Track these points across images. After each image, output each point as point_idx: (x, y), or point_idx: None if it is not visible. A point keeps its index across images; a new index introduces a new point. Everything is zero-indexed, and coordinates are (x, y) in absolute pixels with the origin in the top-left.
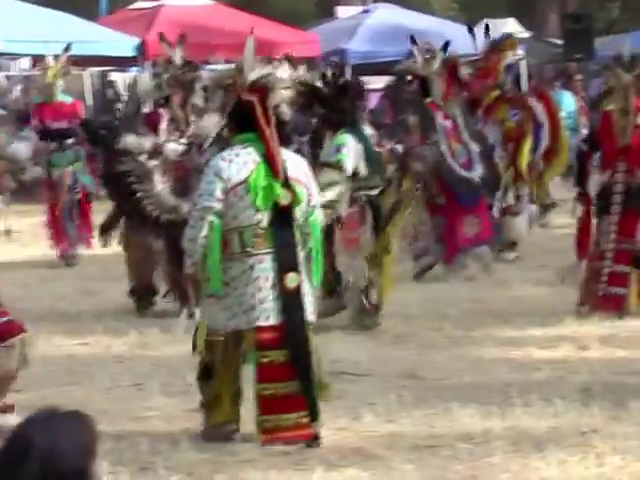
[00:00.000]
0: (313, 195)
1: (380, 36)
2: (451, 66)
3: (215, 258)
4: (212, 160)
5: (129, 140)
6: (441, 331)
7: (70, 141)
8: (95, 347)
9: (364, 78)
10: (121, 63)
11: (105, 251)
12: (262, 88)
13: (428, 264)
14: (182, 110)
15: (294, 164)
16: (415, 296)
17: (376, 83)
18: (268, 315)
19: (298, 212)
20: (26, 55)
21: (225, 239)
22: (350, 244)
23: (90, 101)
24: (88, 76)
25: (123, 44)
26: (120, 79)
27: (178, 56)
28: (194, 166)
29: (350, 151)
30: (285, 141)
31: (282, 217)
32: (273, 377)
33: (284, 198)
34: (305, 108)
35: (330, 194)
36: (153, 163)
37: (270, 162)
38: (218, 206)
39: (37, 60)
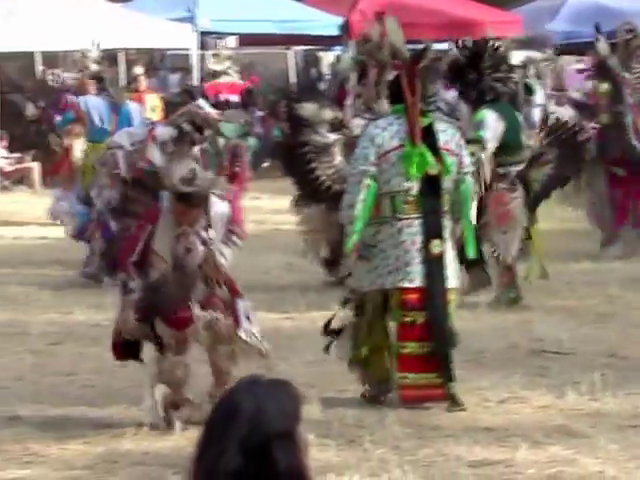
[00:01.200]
0: (464, 164)
1: (583, 16)
2: None
3: (363, 218)
4: (367, 128)
5: (308, 108)
6: None
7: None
8: (299, 321)
9: (567, 58)
10: (325, 42)
11: None
12: (409, 61)
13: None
14: (375, 87)
15: (447, 134)
16: (616, 275)
17: (579, 64)
18: (413, 277)
19: (447, 181)
20: (232, 34)
21: (376, 203)
22: (501, 219)
23: (294, 79)
24: (292, 55)
25: (327, 23)
26: (324, 58)
27: (376, 34)
28: None
29: (490, 127)
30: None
31: (431, 185)
32: (412, 336)
33: (434, 167)
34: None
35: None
36: (334, 137)
37: (409, 131)
38: (373, 169)
39: (242, 39)
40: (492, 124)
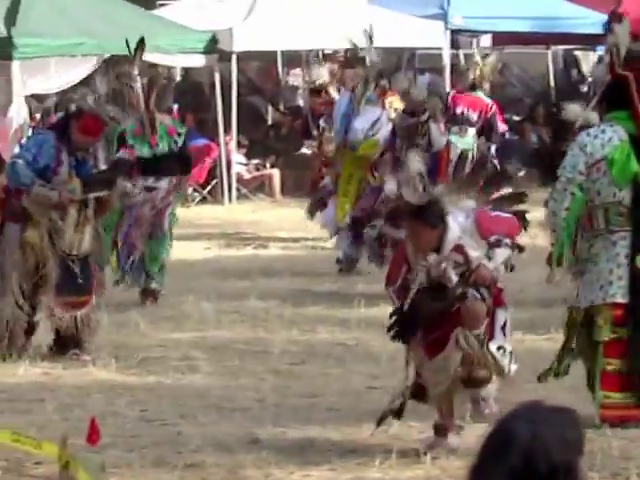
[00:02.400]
0: None
1: None
2: None
3: (570, 230)
4: (579, 136)
5: (572, 111)
6: None
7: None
8: (560, 342)
9: None
10: (588, 41)
11: None
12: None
13: None
14: None
15: None
16: None
17: None
18: (624, 292)
19: None
20: (486, 32)
21: (589, 215)
22: None
23: (552, 81)
24: (551, 55)
25: (591, 21)
26: (583, 59)
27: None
28: None
29: None
30: None
31: None
32: (618, 353)
33: None
34: None
35: None
36: None
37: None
38: (580, 178)
39: (496, 38)
40: None
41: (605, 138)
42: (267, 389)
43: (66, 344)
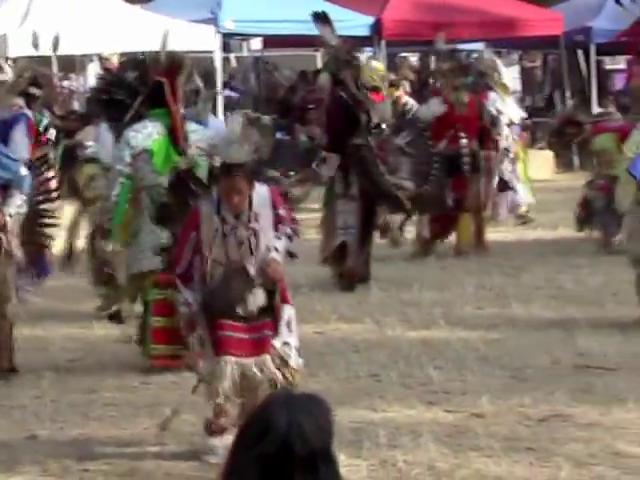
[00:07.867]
0: None
1: (628, 14)
2: None
3: (121, 210)
4: (125, 131)
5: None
6: None
7: None
8: (329, 336)
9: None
10: (355, 43)
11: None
12: None
13: None
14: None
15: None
16: None
17: (622, 63)
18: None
19: None
20: (257, 35)
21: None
22: None
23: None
24: (321, 57)
25: (358, 23)
26: None
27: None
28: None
29: None
30: None
31: None
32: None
33: None
34: None
35: None
36: None
37: None
38: (127, 169)
39: (267, 41)
40: None
41: (146, 132)
42: (46, 386)
43: None
